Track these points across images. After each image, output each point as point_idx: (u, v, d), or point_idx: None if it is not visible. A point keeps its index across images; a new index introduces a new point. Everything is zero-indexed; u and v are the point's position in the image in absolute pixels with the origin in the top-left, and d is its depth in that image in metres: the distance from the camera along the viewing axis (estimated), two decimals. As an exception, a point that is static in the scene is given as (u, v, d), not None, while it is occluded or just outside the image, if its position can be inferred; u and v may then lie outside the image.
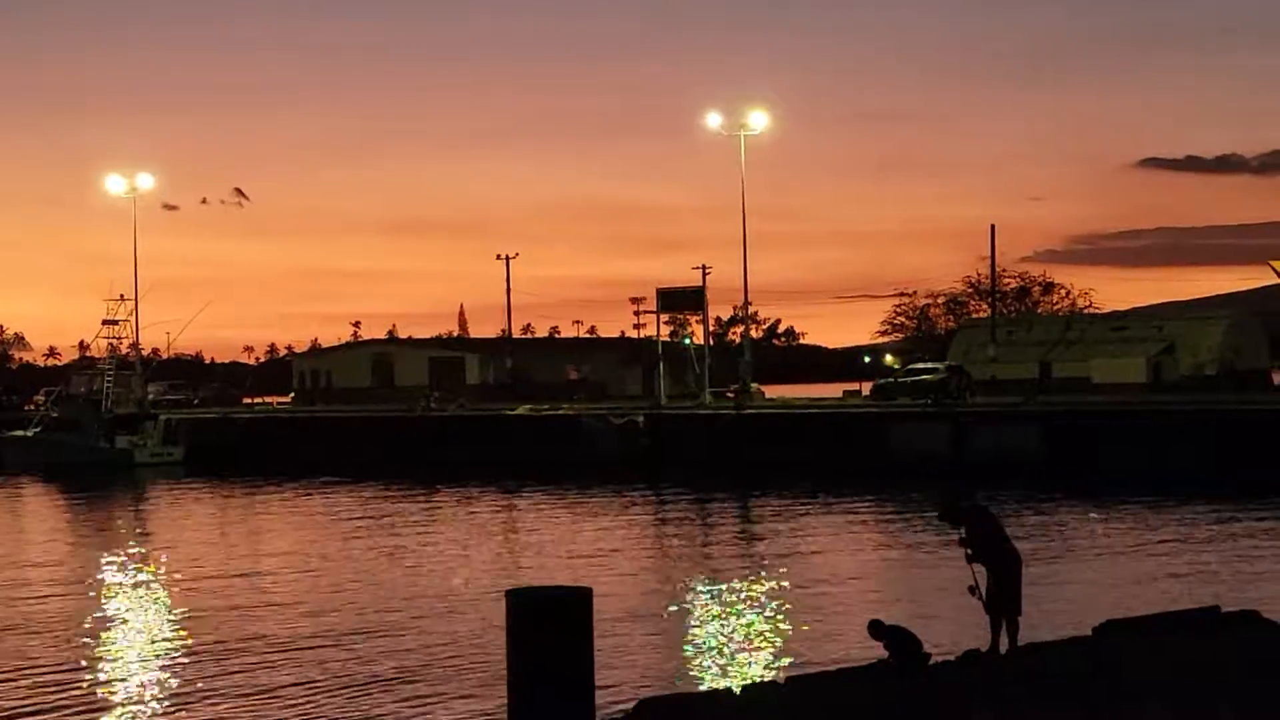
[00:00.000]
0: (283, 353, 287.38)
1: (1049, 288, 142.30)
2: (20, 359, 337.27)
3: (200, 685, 22.04)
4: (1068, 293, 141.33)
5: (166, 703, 21.11)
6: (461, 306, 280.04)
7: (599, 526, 44.78)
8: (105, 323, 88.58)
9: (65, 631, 27.36)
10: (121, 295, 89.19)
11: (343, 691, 21.44)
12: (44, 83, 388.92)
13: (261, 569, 36.44)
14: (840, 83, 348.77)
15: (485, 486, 59.35)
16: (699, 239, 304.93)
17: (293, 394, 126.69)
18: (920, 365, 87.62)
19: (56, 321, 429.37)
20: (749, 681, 19.63)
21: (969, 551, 17.01)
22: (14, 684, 22.47)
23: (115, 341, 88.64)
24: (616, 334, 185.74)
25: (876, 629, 16.10)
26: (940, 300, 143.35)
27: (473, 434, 75.79)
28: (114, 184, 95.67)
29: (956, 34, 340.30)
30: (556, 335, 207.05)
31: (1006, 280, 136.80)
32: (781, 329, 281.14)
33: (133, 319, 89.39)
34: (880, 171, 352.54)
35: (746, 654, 23.76)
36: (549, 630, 11.36)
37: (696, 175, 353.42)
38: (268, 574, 35.39)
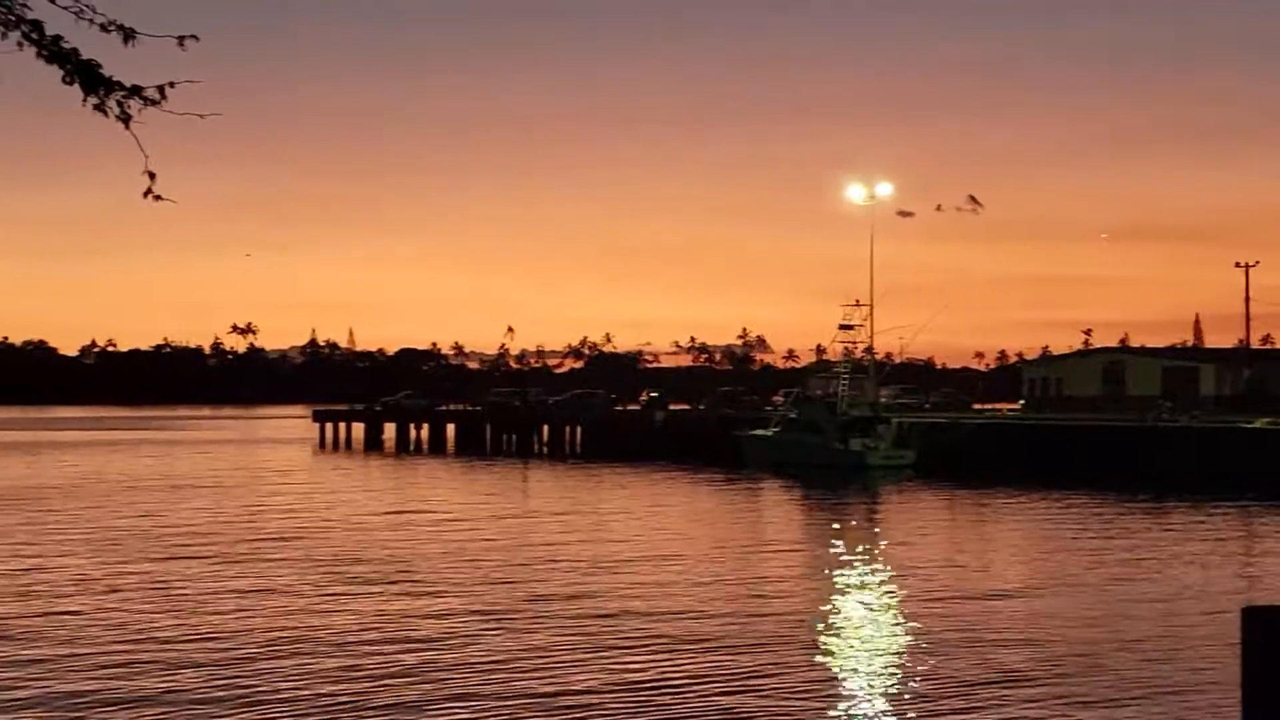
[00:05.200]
0: (1012, 360, 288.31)
1: None
2: (761, 361, 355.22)
3: (926, 683, 22.84)
4: None
5: (897, 698, 22.01)
6: (1196, 315, 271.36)
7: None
8: (842, 327, 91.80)
9: (801, 624, 28.85)
10: (857, 300, 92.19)
11: (1061, 698, 21.63)
12: (787, 97, 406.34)
13: (987, 576, 36.91)
14: None
15: (1218, 501, 57.49)
16: None
17: (1022, 401, 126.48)
18: None
19: (795, 325, 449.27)
20: None
21: None
22: (752, 668, 24.01)
23: (850, 346, 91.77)
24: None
25: None
26: None
27: (1207, 446, 73.43)
28: (854, 192, 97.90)
29: None
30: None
31: None
32: None
33: (868, 324, 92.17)
34: None
35: None
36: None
37: None
38: (994, 580, 35.80)
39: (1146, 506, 56.41)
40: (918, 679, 23.18)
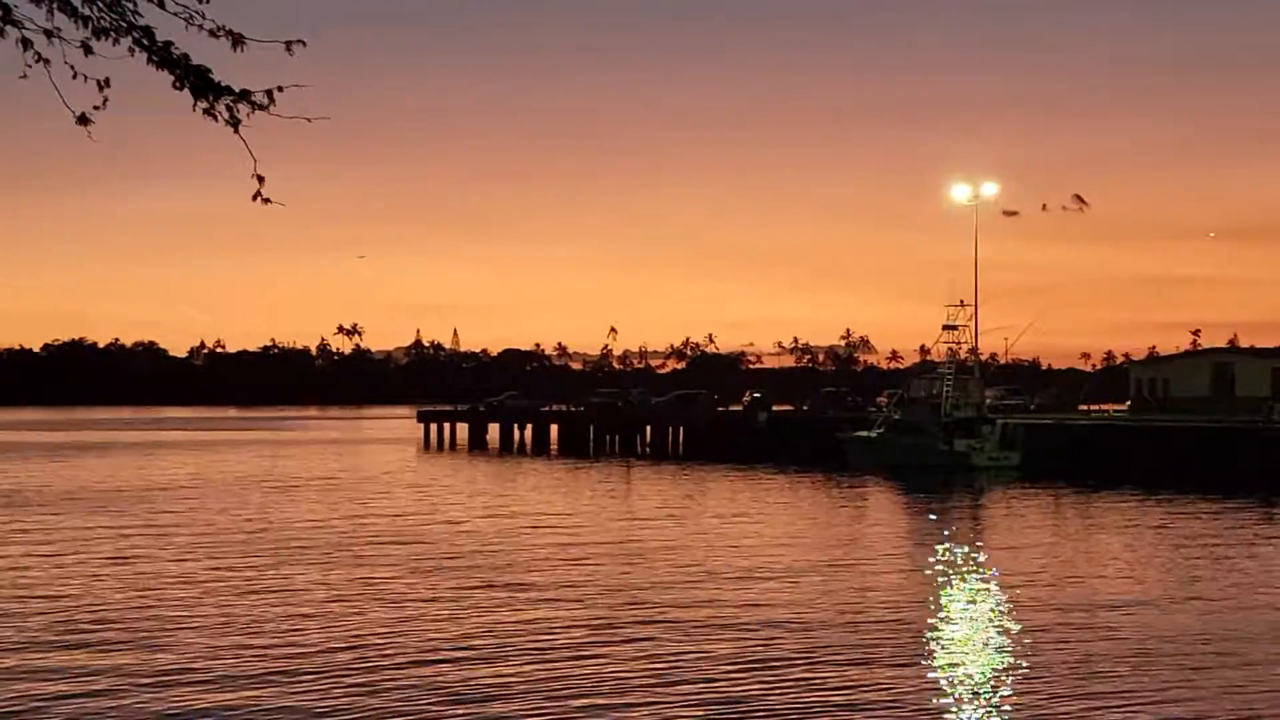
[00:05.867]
0: (1119, 360, 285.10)
1: None
2: (865, 361, 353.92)
3: (1028, 697, 22.62)
4: None
5: (997, 712, 21.81)
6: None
7: None
8: (945, 327, 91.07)
9: (906, 634, 28.66)
10: (961, 301, 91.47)
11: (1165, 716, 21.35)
12: (890, 97, 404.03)
13: (1093, 583, 36.42)
14: None
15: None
16: None
17: (1129, 402, 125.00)
18: None
19: (899, 325, 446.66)
20: None
21: None
22: (855, 680, 23.88)
23: (954, 346, 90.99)
24: None
25: None
26: None
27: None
28: (959, 192, 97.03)
29: None
30: None
31: None
32: None
33: (972, 324, 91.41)
34: None
35: None
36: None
37: None
38: (1099, 588, 35.33)
39: (1256, 510, 55.50)
40: (1021, 693, 22.93)
